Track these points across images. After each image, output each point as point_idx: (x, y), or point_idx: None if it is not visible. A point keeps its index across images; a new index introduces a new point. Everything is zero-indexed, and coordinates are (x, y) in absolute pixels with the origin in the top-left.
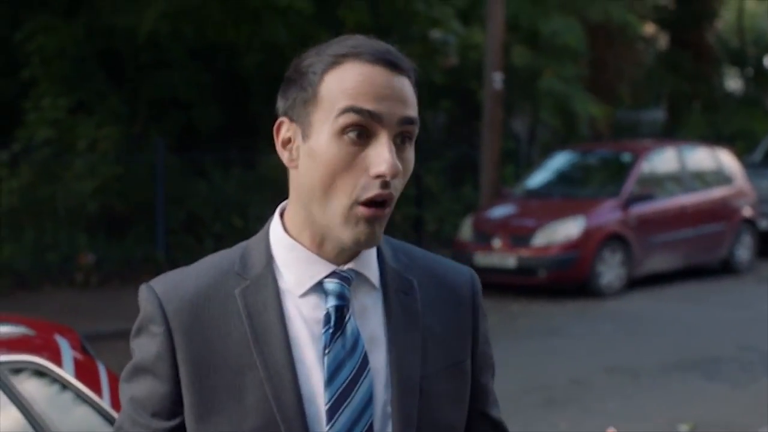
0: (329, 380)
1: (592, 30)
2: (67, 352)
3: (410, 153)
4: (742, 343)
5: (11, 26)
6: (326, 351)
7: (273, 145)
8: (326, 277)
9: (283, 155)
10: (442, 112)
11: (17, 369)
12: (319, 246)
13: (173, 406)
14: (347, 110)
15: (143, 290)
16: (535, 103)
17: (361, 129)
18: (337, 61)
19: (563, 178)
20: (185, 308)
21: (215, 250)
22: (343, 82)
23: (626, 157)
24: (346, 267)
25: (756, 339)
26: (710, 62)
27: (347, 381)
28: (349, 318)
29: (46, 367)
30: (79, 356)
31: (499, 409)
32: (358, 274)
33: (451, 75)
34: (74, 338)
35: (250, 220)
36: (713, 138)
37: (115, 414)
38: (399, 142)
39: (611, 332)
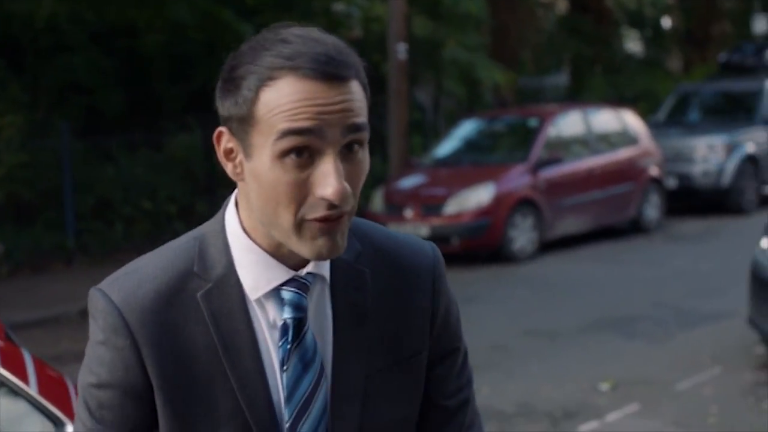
0: (288, 398)
1: None
2: None
3: (362, 156)
4: (655, 300)
5: None
6: (284, 368)
7: (179, 126)
8: (284, 284)
9: (227, 167)
10: None
11: None
12: (276, 248)
13: (151, 422)
14: (286, 134)
15: (98, 298)
16: (440, 72)
17: (303, 149)
18: (272, 76)
19: (471, 146)
20: (147, 317)
21: (126, 233)
22: (279, 102)
23: (532, 122)
24: (304, 271)
25: (669, 296)
26: (610, 25)
27: (305, 396)
28: (307, 329)
29: None
30: (3, 345)
31: (465, 394)
32: (315, 276)
33: (354, 47)
34: None
35: (160, 202)
36: (616, 100)
37: (43, 401)
38: (346, 151)
39: (527, 296)
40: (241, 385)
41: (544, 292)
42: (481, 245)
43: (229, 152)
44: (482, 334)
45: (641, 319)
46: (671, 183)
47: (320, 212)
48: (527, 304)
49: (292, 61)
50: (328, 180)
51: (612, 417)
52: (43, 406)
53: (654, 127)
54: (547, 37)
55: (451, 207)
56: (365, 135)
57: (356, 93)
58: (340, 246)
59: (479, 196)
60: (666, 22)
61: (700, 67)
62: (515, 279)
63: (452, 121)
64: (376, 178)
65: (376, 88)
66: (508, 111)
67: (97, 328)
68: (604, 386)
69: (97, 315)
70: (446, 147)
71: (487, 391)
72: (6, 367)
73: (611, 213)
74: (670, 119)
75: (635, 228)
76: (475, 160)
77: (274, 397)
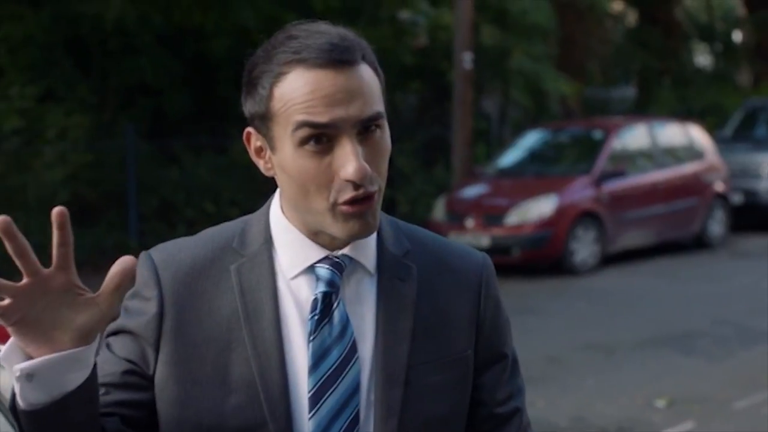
0: (313, 367)
1: (561, 8)
2: None
3: (381, 136)
4: (716, 317)
5: None
6: (311, 338)
7: (243, 130)
8: (318, 261)
9: (259, 164)
10: (412, 94)
11: None
12: (313, 234)
13: (146, 368)
14: (301, 125)
15: (142, 257)
16: (506, 82)
17: (321, 137)
18: (283, 71)
19: (535, 157)
20: (179, 278)
21: (188, 236)
22: (292, 95)
23: (597, 134)
24: (340, 252)
25: (730, 313)
26: (679, 38)
27: (332, 369)
28: (338, 305)
29: None
30: None
31: (516, 403)
32: (353, 260)
33: (420, 56)
34: None
35: (223, 205)
36: (683, 114)
37: None
38: (365, 133)
39: (586, 309)
40: (256, 353)
41: (604, 306)
42: (541, 257)
43: (259, 150)
44: (539, 347)
45: (701, 335)
46: (737, 199)
47: (348, 194)
48: (586, 317)
49: (299, 54)
50: (347, 162)
51: None
52: None
53: (721, 141)
54: (615, 49)
55: (513, 218)
56: (381, 120)
57: (366, 76)
58: (372, 226)
59: (541, 207)
60: (737, 36)
61: None
62: (575, 292)
63: (518, 132)
64: (440, 187)
65: (441, 97)
66: (573, 122)
67: (135, 282)
68: (660, 403)
69: (138, 271)
70: (510, 157)
71: (542, 404)
72: None
73: (675, 228)
74: (737, 134)
75: (699, 244)
76: (539, 171)
77: (290, 373)
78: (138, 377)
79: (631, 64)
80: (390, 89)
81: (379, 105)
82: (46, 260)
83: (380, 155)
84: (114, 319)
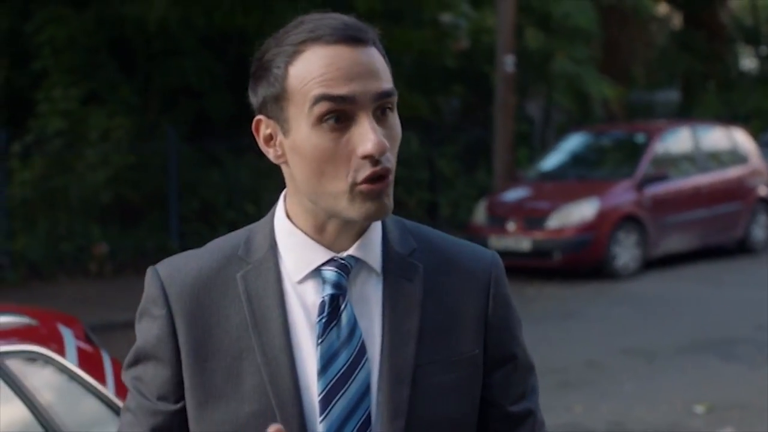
0: (322, 370)
1: (605, 11)
2: (71, 342)
3: (394, 120)
4: (758, 323)
5: (22, 17)
6: (320, 341)
7: None
8: (324, 264)
9: (269, 153)
10: (454, 96)
11: (20, 359)
12: (319, 232)
13: (178, 389)
14: (320, 99)
15: (148, 273)
16: (549, 85)
17: (339, 113)
18: (298, 50)
19: (577, 160)
20: (187, 291)
21: None
22: (309, 71)
23: (640, 137)
24: (345, 254)
25: None
26: (724, 41)
27: (342, 371)
28: (345, 307)
29: (50, 357)
30: (83, 346)
31: (528, 403)
32: (359, 261)
33: (462, 59)
34: (78, 328)
35: (264, 207)
36: (728, 117)
37: (120, 403)
38: (380, 114)
39: (627, 314)
40: (266, 360)
41: (645, 311)
42: (583, 261)
43: (268, 139)
44: (578, 351)
45: (742, 342)
46: None
47: (367, 170)
48: (626, 322)
49: (314, 33)
50: (366, 137)
51: None
52: (119, 408)
53: (765, 146)
54: (659, 52)
55: (554, 221)
56: (393, 99)
57: (378, 58)
58: (388, 207)
59: (583, 211)
60: None
61: None
62: (615, 296)
63: (561, 135)
64: (481, 190)
65: (484, 100)
66: (616, 126)
67: (142, 300)
68: (700, 409)
69: (146, 288)
70: (552, 160)
71: (580, 410)
72: (85, 368)
73: (717, 232)
74: None
75: (742, 249)
76: (581, 175)
77: (301, 378)
78: (170, 416)
79: (676, 67)
80: (432, 92)
81: (392, 84)
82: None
83: (394, 139)
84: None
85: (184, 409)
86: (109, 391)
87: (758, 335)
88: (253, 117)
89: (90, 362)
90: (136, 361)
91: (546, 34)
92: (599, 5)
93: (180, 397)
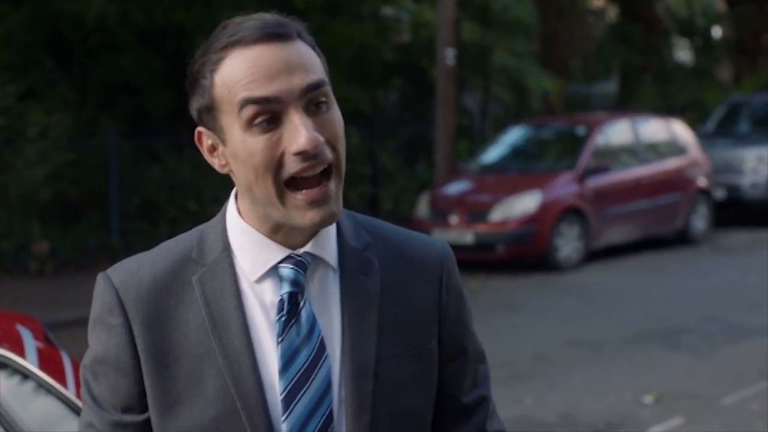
0: (283, 369)
1: (543, 4)
2: (30, 343)
3: (332, 114)
4: (701, 313)
5: None
6: (280, 339)
7: None
8: (281, 261)
9: (214, 162)
10: (394, 90)
11: None
12: (272, 232)
13: (141, 399)
14: (245, 103)
15: (99, 280)
16: (488, 78)
17: (268, 114)
18: (220, 56)
19: (518, 153)
20: (142, 297)
21: (171, 234)
22: (232, 77)
23: (580, 130)
24: (301, 251)
25: (715, 309)
26: (660, 34)
27: (302, 369)
28: (304, 304)
29: (8, 358)
30: (42, 346)
31: (481, 390)
32: (315, 257)
33: (402, 52)
34: (37, 328)
35: (205, 203)
36: (665, 109)
37: (80, 403)
38: (314, 108)
39: (572, 306)
40: (227, 363)
41: (589, 302)
42: (526, 253)
43: (211, 149)
44: (525, 343)
45: (687, 331)
46: (719, 194)
47: (297, 166)
48: (571, 313)
49: (234, 36)
50: (297, 133)
51: (655, 430)
52: (80, 408)
53: (703, 137)
54: (596, 45)
55: (497, 214)
56: (326, 90)
57: (304, 51)
58: (334, 211)
59: (525, 203)
60: (717, 32)
61: (750, 77)
62: (560, 288)
63: (500, 128)
64: (423, 184)
65: (423, 94)
66: (556, 119)
67: (95, 308)
68: (648, 399)
69: (97, 296)
70: (493, 153)
71: (530, 402)
72: (44, 368)
73: (658, 223)
74: (719, 130)
75: (682, 239)
76: (522, 168)
77: (264, 378)
78: (137, 428)
79: (613, 59)
80: (372, 86)
81: (322, 75)
82: (26, 259)
83: (334, 130)
84: None
85: (149, 420)
86: (69, 392)
87: (702, 325)
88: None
89: (50, 363)
90: (95, 375)
91: (485, 27)
92: None
93: (145, 407)
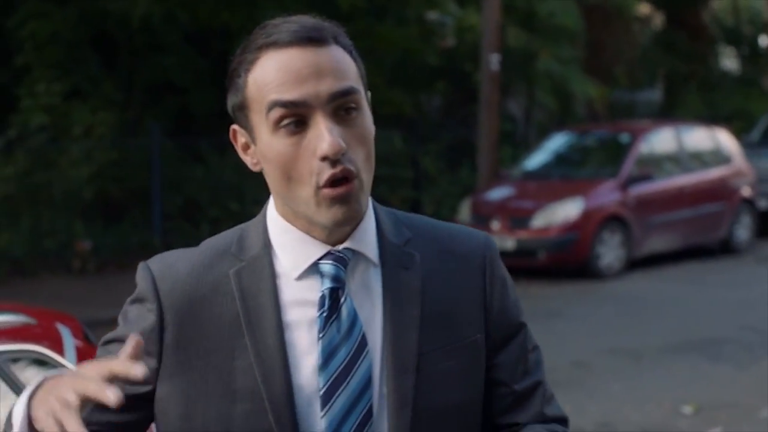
0: (323, 365)
1: (588, 11)
2: (69, 341)
3: (361, 120)
4: (742, 323)
5: (4, 12)
6: (320, 335)
7: None
8: (321, 258)
9: (247, 160)
10: (438, 95)
11: (18, 358)
12: (310, 228)
13: (146, 378)
14: (273, 106)
15: (140, 268)
16: (532, 84)
17: (295, 118)
18: (255, 57)
19: (561, 160)
20: (178, 288)
21: (212, 234)
22: (264, 78)
23: (624, 137)
24: (341, 246)
25: (756, 319)
26: (706, 42)
27: (342, 365)
28: (345, 300)
29: (48, 356)
30: (81, 344)
31: (534, 377)
32: (355, 253)
33: (447, 57)
34: (76, 326)
35: (247, 204)
36: (710, 118)
37: None
38: (343, 113)
39: (612, 314)
40: (259, 360)
41: (630, 311)
42: (567, 260)
43: (245, 147)
44: (564, 351)
45: (727, 342)
46: (763, 204)
47: (327, 173)
48: (612, 322)
49: (270, 38)
50: (321, 138)
51: None
52: None
53: (747, 147)
54: (641, 52)
55: (539, 220)
56: (356, 98)
57: (338, 55)
58: (356, 210)
59: (567, 210)
60: (763, 41)
61: None
62: (600, 296)
63: (543, 134)
64: (465, 189)
65: (468, 98)
66: (600, 125)
67: (133, 294)
68: (687, 409)
69: (137, 282)
70: (536, 159)
71: (568, 410)
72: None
73: (701, 232)
74: (764, 139)
75: (725, 249)
76: (565, 174)
77: (294, 378)
78: (127, 398)
79: (658, 67)
80: (415, 90)
81: (353, 82)
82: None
83: (362, 138)
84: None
85: (146, 395)
86: (68, 361)
87: (743, 335)
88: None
89: (87, 360)
90: (115, 342)
91: (530, 33)
92: (583, 5)
93: (146, 382)
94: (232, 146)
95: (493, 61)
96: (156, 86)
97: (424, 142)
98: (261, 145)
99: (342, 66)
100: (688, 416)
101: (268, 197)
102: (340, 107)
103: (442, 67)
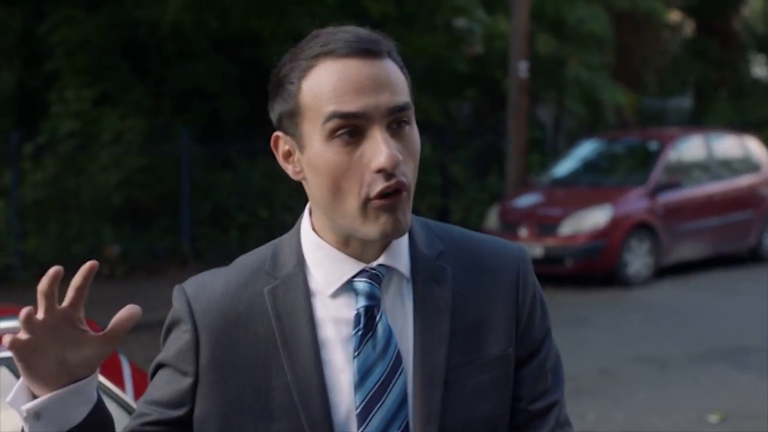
0: (359, 384)
1: (618, 18)
2: None
3: (411, 134)
4: None
5: (35, 19)
6: (356, 354)
7: None
8: (355, 276)
9: (288, 168)
10: (467, 102)
11: None
12: (344, 245)
13: (182, 399)
14: (331, 116)
15: (175, 291)
16: (561, 91)
17: (351, 128)
18: (311, 65)
19: (590, 167)
20: (213, 307)
21: (240, 241)
22: (321, 86)
23: (653, 145)
24: (375, 263)
25: None
26: (737, 49)
27: (378, 383)
28: (380, 317)
29: None
30: None
31: (554, 396)
32: (389, 269)
33: (475, 64)
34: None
35: (276, 210)
36: (740, 125)
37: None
38: (395, 127)
39: (639, 322)
40: (296, 379)
41: (657, 319)
42: (595, 268)
43: (287, 155)
44: (591, 359)
45: (755, 350)
46: None
47: (380, 185)
48: (639, 329)
49: (326, 47)
50: (378, 150)
51: None
52: None
53: None
54: (671, 60)
55: (567, 228)
56: (409, 113)
57: (393, 70)
58: (404, 223)
59: (596, 217)
60: None
61: None
62: (628, 304)
63: (573, 141)
64: (493, 196)
65: (496, 105)
66: (629, 133)
67: (168, 318)
68: (713, 418)
69: (173, 305)
70: (564, 167)
71: (593, 418)
72: (103, 372)
73: (730, 241)
74: None
75: (754, 257)
76: (593, 182)
77: (331, 396)
78: (165, 426)
79: (688, 74)
80: (444, 97)
81: (407, 97)
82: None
83: (411, 152)
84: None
85: (184, 417)
86: (127, 396)
87: None
88: (268, 122)
89: (108, 366)
90: (155, 369)
91: (559, 40)
92: (613, 12)
93: (182, 405)
94: (261, 153)
95: (522, 68)
96: (185, 92)
97: (452, 149)
98: (310, 154)
99: (397, 80)
100: (714, 425)
101: (298, 205)
102: (395, 121)
103: (472, 74)
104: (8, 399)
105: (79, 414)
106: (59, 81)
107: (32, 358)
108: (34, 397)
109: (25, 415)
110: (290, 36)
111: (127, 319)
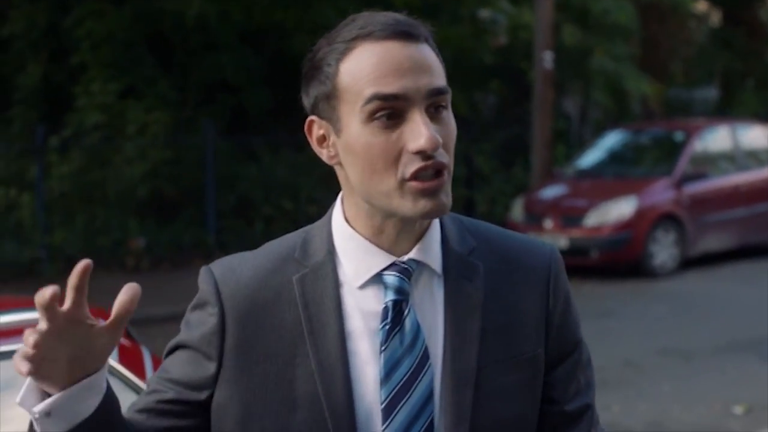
0: (385, 378)
1: (644, 8)
2: None
3: (448, 118)
4: None
5: (60, 12)
6: (383, 348)
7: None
8: (385, 269)
9: (322, 153)
10: (492, 93)
11: None
12: (378, 235)
13: (205, 383)
14: (372, 98)
15: (202, 272)
16: (587, 82)
17: (390, 110)
18: (349, 47)
19: (615, 158)
20: (241, 292)
21: (265, 233)
22: (360, 68)
23: (679, 135)
24: (406, 257)
25: None
26: (763, 39)
27: (405, 378)
28: (408, 312)
29: None
30: (123, 341)
31: (586, 398)
32: (420, 264)
33: (500, 55)
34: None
35: (301, 203)
36: (766, 116)
37: None
38: (433, 111)
39: (664, 313)
40: (320, 369)
41: (682, 310)
42: (620, 259)
43: (321, 140)
44: (616, 350)
45: None
46: None
47: (416, 165)
48: (664, 321)
49: (365, 29)
50: (418, 132)
51: None
52: None
53: None
54: (698, 50)
55: (592, 219)
56: (447, 97)
57: (431, 54)
58: (445, 205)
59: (621, 209)
60: None
61: None
62: (653, 295)
63: (599, 132)
64: (518, 187)
65: (521, 97)
66: (655, 124)
67: (195, 298)
68: (738, 410)
69: (200, 286)
70: (590, 158)
71: (618, 409)
72: (124, 363)
73: (756, 231)
74: None
75: None
76: (619, 173)
77: (356, 388)
78: (182, 405)
79: (714, 65)
80: (469, 88)
81: (445, 81)
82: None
83: (449, 136)
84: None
85: (205, 401)
86: None
87: None
88: (293, 114)
89: (129, 357)
90: (174, 348)
91: (584, 30)
92: (638, 2)
93: (203, 388)
94: (286, 144)
95: (547, 59)
96: (210, 85)
97: (477, 140)
98: (347, 136)
99: (436, 64)
100: (739, 417)
101: (323, 197)
102: (433, 104)
103: (497, 65)
104: (17, 399)
105: (89, 407)
106: (85, 74)
107: (43, 368)
108: (44, 394)
109: (37, 416)
110: (315, 28)
111: (129, 301)
